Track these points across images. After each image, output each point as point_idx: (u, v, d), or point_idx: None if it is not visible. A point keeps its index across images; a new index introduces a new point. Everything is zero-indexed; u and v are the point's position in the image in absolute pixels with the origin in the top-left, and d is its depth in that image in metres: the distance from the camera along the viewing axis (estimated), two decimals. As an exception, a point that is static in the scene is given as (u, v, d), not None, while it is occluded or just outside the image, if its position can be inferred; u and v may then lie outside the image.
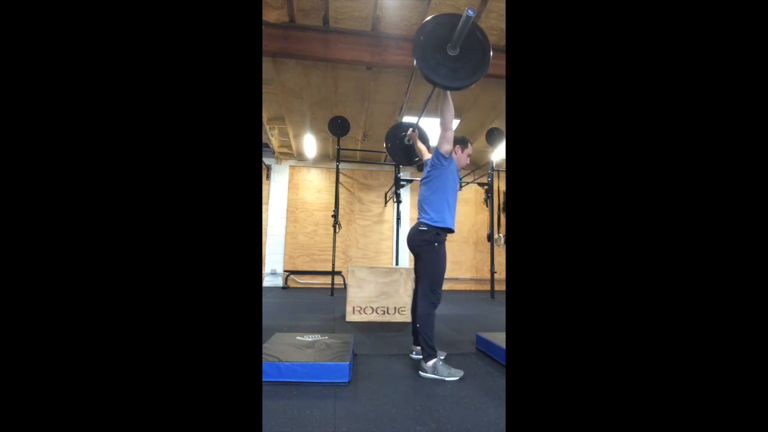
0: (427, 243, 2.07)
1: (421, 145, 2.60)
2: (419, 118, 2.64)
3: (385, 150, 6.14)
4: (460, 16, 1.56)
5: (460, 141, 2.25)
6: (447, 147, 2.07)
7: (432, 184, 2.15)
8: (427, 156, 2.41)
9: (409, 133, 2.68)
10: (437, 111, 2.05)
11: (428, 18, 1.71)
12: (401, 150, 2.85)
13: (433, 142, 2.40)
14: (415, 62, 1.67)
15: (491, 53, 1.72)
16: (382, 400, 1.61)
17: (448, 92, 1.94)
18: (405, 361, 2.24)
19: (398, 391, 1.72)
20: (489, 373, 2.02)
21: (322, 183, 7.00)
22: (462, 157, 2.26)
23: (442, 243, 2.09)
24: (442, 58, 1.67)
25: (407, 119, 5.10)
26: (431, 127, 5.29)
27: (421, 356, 2.20)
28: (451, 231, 2.13)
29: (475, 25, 1.66)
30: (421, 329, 2.01)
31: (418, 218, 2.19)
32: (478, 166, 6.62)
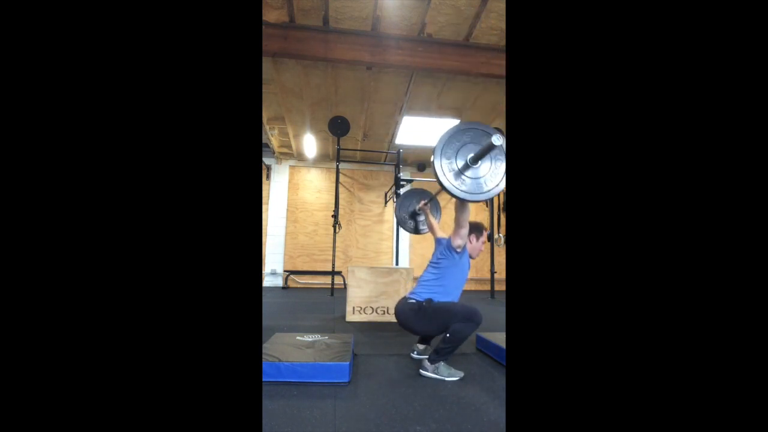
0: (416, 311, 1.99)
1: (432, 220, 2.52)
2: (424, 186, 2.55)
3: (385, 150, 6.16)
4: (489, 132, 1.55)
5: (475, 229, 2.13)
6: (459, 242, 2.01)
7: (439, 273, 2.08)
8: (439, 233, 2.33)
9: (420, 206, 2.59)
10: (455, 209, 1.98)
11: (457, 126, 1.65)
12: (410, 219, 2.78)
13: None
14: (432, 165, 1.62)
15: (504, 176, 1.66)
16: (382, 400, 1.61)
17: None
18: (405, 361, 2.23)
19: (398, 391, 1.72)
20: (489, 373, 2.02)
21: (322, 183, 7.00)
22: (476, 246, 2.15)
23: (431, 302, 2.00)
24: (462, 170, 1.63)
25: (407, 119, 5.10)
26: (433, 127, 5.28)
27: (422, 356, 2.20)
28: None
29: (500, 148, 1.59)
30: (449, 337, 1.89)
31: (410, 292, 2.11)
32: (478, 166, 6.61)
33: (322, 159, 6.98)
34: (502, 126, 5.35)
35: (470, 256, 2.16)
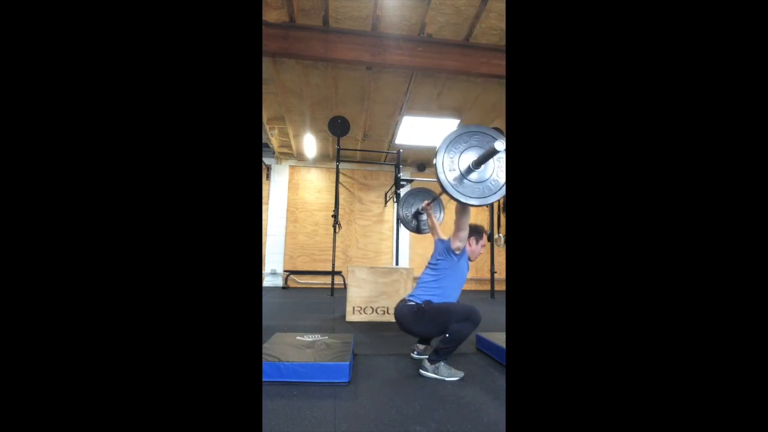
0: (415, 313, 1.99)
1: (434, 221, 2.52)
2: (433, 194, 2.54)
3: (385, 150, 6.16)
4: (495, 136, 1.54)
5: (475, 232, 2.14)
6: (458, 245, 2.00)
7: (438, 274, 2.08)
8: (440, 234, 2.33)
9: (424, 206, 2.59)
10: (455, 213, 1.97)
11: (456, 131, 1.65)
12: (413, 218, 2.78)
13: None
14: (435, 168, 1.62)
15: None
16: (382, 400, 1.61)
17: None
18: (405, 361, 2.23)
19: (398, 391, 1.72)
20: (489, 373, 2.02)
21: (322, 183, 7.00)
22: (476, 249, 2.16)
23: (431, 305, 2.00)
24: (464, 175, 1.62)
25: (407, 119, 5.10)
26: (433, 126, 5.28)
27: (422, 356, 2.20)
28: None
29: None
30: (448, 337, 1.90)
31: (409, 294, 2.11)
32: (478, 166, 6.61)
33: (322, 159, 6.98)
34: (502, 126, 5.35)
35: (469, 259, 2.16)
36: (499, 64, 3.65)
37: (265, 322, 3.25)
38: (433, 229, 2.48)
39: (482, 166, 1.61)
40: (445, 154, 1.61)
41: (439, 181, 1.60)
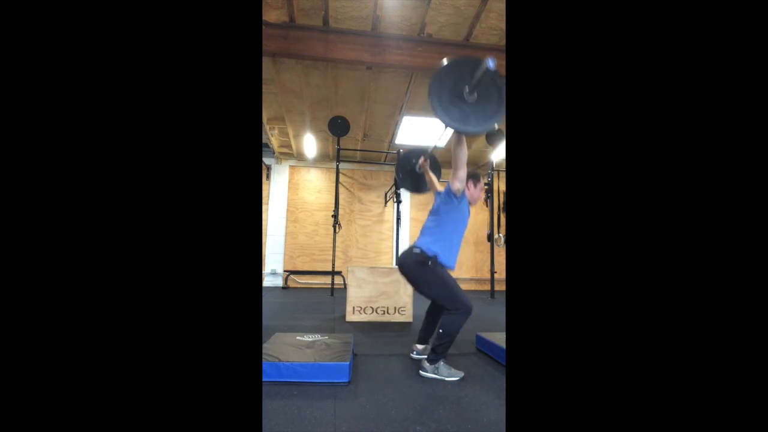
0: (420, 264, 1.99)
1: (432, 176, 2.51)
2: (431, 149, 2.57)
3: (385, 150, 6.16)
4: (481, 61, 1.54)
5: (473, 176, 2.16)
6: (458, 186, 1.99)
7: (439, 219, 2.08)
8: (438, 188, 2.33)
9: (420, 162, 2.58)
10: (451, 149, 1.98)
11: (449, 59, 1.67)
12: (410, 177, 2.77)
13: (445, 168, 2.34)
14: (430, 102, 1.63)
15: (505, 106, 1.67)
16: (382, 400, 1.61)
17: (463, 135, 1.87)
18: (405, 361, 2.23)
19: (398, 391, 1.72)
20: (489, 373, 2.02)
21: (322, 183, 7.00)
22: (475, 192, 2.17)
23: (437, 265, 1.99)
24: (458, 100, 1.63)
25: (407, 119, 5.11)
26: (432, 126, 5.28)
27: (421, 356, 2.20)
28: (448, 268, 2.04)
29: (496, 74, 1.62)
30: (442, 332, 1.91)
31: (415, 241, 2.11)
32: (478, 166, 6.62)
33: (322, 159, 6.98)
34: (502, 126, 5.35)
35: (469, 203, 2.17)
36: (499, 64, 3.64)
37: (265, 322, 3.25)
38: (431, 184, 2.49)
39: (475, 92, 1.62)
40: (441, 84, 1.63)
41: (433, 109, 1.62)
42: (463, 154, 1.93)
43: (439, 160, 2.73)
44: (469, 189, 2.15)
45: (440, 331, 1.93)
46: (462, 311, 1.93)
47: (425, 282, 2.03)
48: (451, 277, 2.02)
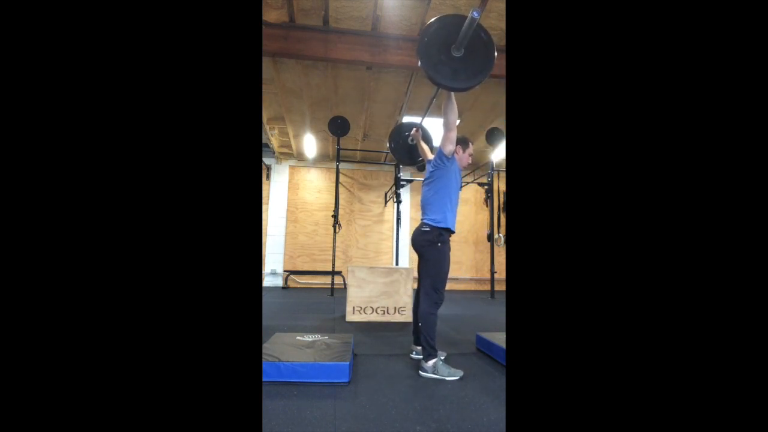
0: (431, 243, 2.08)
1: (424, 146, 2.60)
2: (422, 119, 2.63)
3: (385, 150, 6.16)
4: (466, 17, 1.56)
5: (462, 141, 2.26)
6: (450, 147, 2.07)
7: (434, 185, 2.16)
8: (430, 156, 2.42)
9: (412, 133, 2.68)
10: (441, 111, 2.05)
11: (434, 18, 1.71)
12: (404, 150, 2.86)
13: (436, 142, 2.40)
14: (419, 61, 1.66)
15: (495, 55, 1.71)
16: (382, 400, 1.61)
17: (452, 94, 1.94)
18: (405, 361, 2.24)
19: (398, 391, 1.72)
20: (489, 373, 2.02)
21: (322, 183, 7.00)
22: (464, 157, 2.27)
23: (445, 243, 2.10)
24: (446, 58, 1.66)
25: (407, 119, 5.10)
26: (434, 127, 5.30)
27: (421, 356, 2.20)
28: (451, 232, 2.13)
29: (480, 27, 1.65)
30: (422, 328, 2.01)
31: (421, 219, 2.21)
32: (478, 166, 6.62)
33: (322, 159, 6.98)
34: (502, 126, 5.35)
35: (460, 167, 2.25)
36: (499, 65, 3.64)
37: (265, 322, 3.25)
38: (424, 153, 2.57)
39: (462, 48, 1.64)
40: (428, 43, 1.65)
41: (423, 68, 1.64)
42: (454, 115, 2.00)
43: (429, 133, 2.80)
44: (458, 153, 2.22)
45: (419, 325, 2.05)
46: (433, 300, 2.04)
47: (428, 258, 2.10)
48: (448, 266, 2.12)
